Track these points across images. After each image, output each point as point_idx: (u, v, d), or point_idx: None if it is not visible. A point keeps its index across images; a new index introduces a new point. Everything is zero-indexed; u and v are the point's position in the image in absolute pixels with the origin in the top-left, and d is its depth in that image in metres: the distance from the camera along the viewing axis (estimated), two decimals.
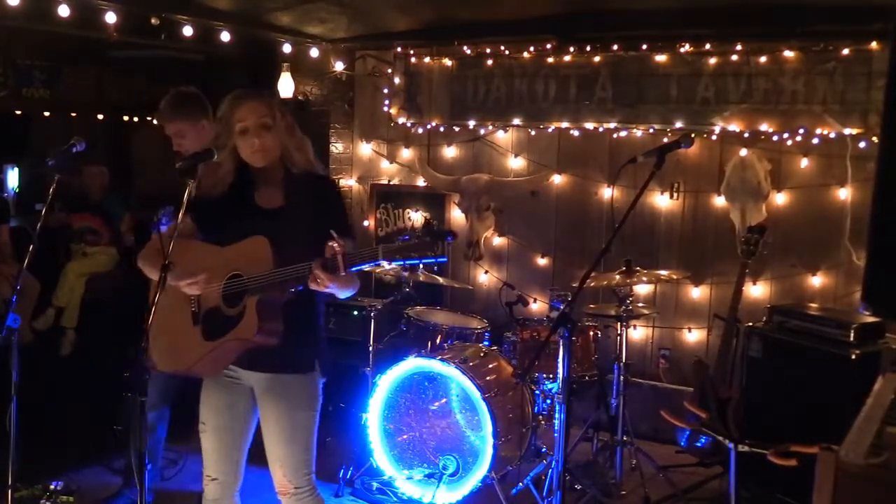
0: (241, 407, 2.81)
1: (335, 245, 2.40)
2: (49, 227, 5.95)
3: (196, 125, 3.63)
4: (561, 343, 2.77)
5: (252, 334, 2.57)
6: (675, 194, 5.02)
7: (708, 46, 4.74)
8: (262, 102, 2.70)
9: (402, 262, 2.33)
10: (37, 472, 3.89)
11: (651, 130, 4.95)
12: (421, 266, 2.20)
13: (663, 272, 4.59)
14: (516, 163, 5.54)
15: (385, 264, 2.40)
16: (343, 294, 2.63)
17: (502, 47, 5.38)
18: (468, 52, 5.49)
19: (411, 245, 2.29)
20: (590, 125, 5.13)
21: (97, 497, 3.92)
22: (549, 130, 5.32)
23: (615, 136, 5.11)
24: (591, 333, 4.36)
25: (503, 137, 5.57)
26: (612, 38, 4.99)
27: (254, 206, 2.74)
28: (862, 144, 4.42)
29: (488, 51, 5.42)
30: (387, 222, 5.99)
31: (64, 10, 4.43)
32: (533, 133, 5.42)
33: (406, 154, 5.87)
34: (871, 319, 3.79)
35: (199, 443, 3.95)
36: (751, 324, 4.20)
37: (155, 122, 3.67)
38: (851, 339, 3.73)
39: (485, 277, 5.70)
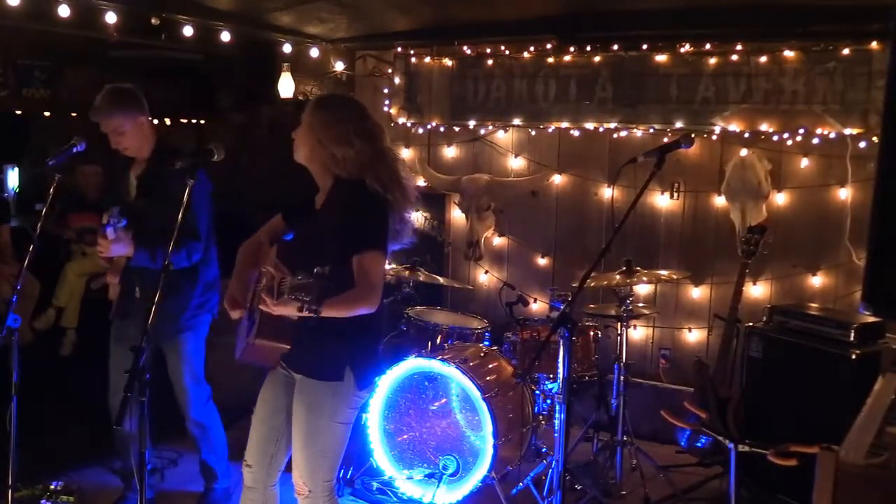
0: (283, 403, 2.82)
1: (271, 270, 2.45)
2: (47, 231, 5.96)
3: (135, 121, 3.54)
4: (561, 343, 2.77)
5: (253, 338, 2.60)
6: (676, 194, 5.02)
7: (708, 46, 4.74)
8: (310, 103, 2.80)
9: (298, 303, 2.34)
10: (37, 472, 3.90)
11: (651, 130, 4.95)
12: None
13: (663, 272, 4.59)
14: (516, 163, 5.54)
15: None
16: (341, 315, 2.59)
17: (502, 47, 5.37)
18: (468, 52, 5.49)
19: (300, 285, 2.30)
20: (590, 125, 5.13)
21: (99, 498, 3.92)
22: (550, 130, 5.32)
23: (615, 136, 5.11)
24: (592, 333, 4.36)
25: (503, 137, 5.57)
26: (613, 38, 4.99)
27: (312, 209, 2.81)
28: (862, 144, 4.42)
29: (488, 51, 5.42)
30: None
31: (64, 10, 4.43)
32: (533, 133, 5.42)
33: (406, 154, 5.86)
34: (871, 319, 3.79)
35: (194, 443, 3.97)
36: (751, 324, 4.20)
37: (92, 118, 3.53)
38: (852, 339, 3.74)
39: (485, 277, 5.70)
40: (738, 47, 4.65)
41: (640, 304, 4.72)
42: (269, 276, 2.54)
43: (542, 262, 5.50)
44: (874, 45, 4.28)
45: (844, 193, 4.56)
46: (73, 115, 7.26)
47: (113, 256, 3.49)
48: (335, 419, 2.72)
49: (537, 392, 4.21)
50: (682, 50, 4.80)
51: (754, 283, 4.81)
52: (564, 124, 5.21)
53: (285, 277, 2.42)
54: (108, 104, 3.50)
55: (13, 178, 7.59)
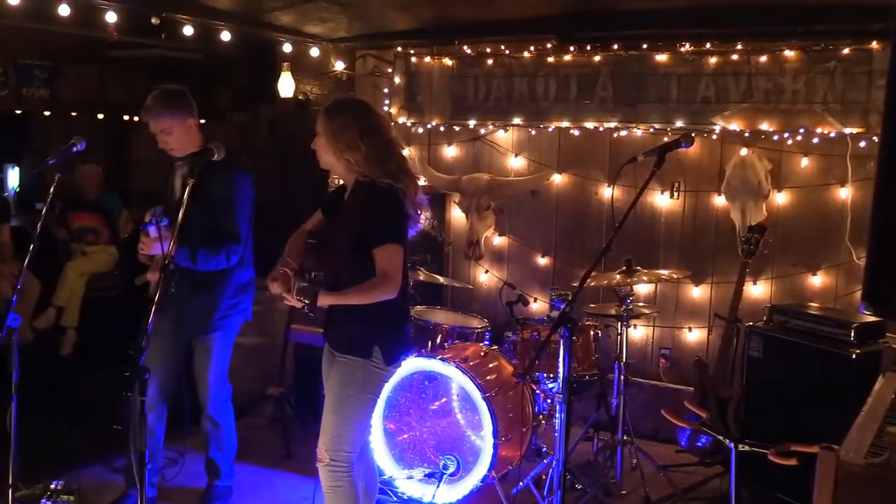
0: None
1: (287, 271, 2.78)
2: (49, 232, 5.96)
3: (184, 123, 3.60)
4: (561, 342, 2.77)
5: (290, 323, 3.03)
6: (676, 194, 5.02)
7: (708, 46, 4.74)
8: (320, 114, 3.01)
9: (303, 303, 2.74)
10: (37, 472, 3.89)
11: (651, 130, 4.95)
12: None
13: (664, 272, 4.59)
14: (517, 162, 5.54)
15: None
16: (364, 301, 2.90)
17: (503, 47, 5.37)
18: (468, 51, 5.48)
19: (301, 289, 2.73)
20: (590, 125, 5.13)
21: (99, 497, 3.92)
22: (550, 130, 5.32)
23: (615, 135, 5.10)
24: (592, 333, 4.36)
25: (503, 137, 5.57)
26: (613, 37, 4.99)
27: (342, 205, 3.06)
28: (862, 144, 4.42)
29: (489, 50, 5.42)
30: None
31: (64, 10, 4.43)
32: (533, 132, 5.42)
33: (406, 153, 5.85)
34: (871, 319, 3.79)
35: (197, 441, 3.97)
36: (751, 323, 4.20)
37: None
38: (852, 338, 3.73)
39: (485, 277, 5.70)
40: (739, 47, 4.65)
41: (641, 304, 4.71)
42: (285, 276, 2.83)
43: (543, 261, 5.50)
44: (874, 44, 4.29)
45: (845, 193, 4.56)
46: (74, 114, 7.27)
47: (154, 255, 3.52)
48: (364, 390, 2.98)
49: (537, 391, 4.21)
50: (683, 49, 4.80)
51: (754, 283, 4.81)
52: (565, 124, 5.21)
53: (295, 279, 2.76)
54: (157, 105, 3.57)
55: (13, 177, 7.60)
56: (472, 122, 5.54)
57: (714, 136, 4.81)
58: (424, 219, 3.09)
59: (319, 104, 6.06)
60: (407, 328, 3.14)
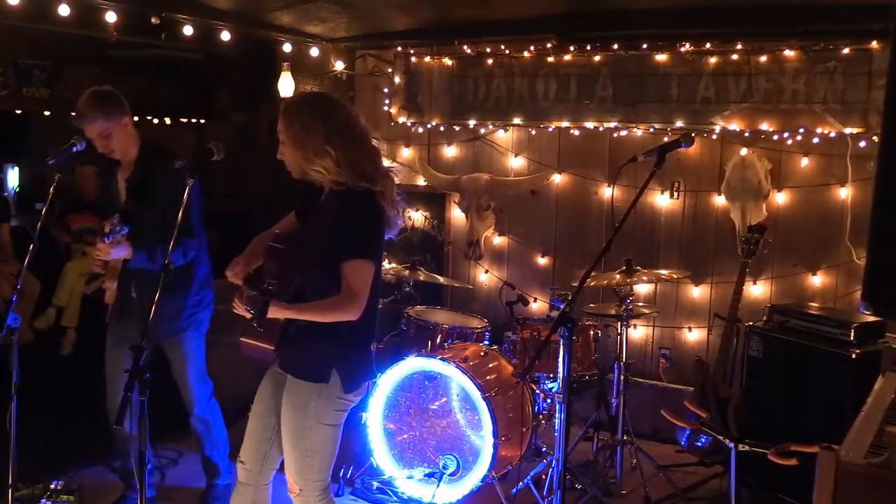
0: (277, 402, 2.79)
1: (236, 273, 2.62)
2: (49, 233, 5.96)
3: (120, 123, 3.49)
4: (561, 342, 2.77)
5: (239, 336, 2.69)
6: (676, 194, 5.03)
7: (708, 46, 4.74)
8: (279, 118, 2.66)
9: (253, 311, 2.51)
10: (37, 472, 3.89)
11: (651, 130, 4.95)
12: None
13: (664, 271, 4.59)
14: (517, 162, 5.54)
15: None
16: (319, 320, 2.63)
17: (503, 47, 5.38)
18: (468, 51, 5.48)
19: (249, 297, 2.54)
20: (590, 124, 5.13)
21: (99, 497, 3.92)
22: (550, 130, 5.32)
23: (615, 135, 5.11)
24: (592, 333, 4.36)
25: (503, 137, 5.57)
26: (613, 37, 4.99)
27: (315, 207, 2.77)
28: (862, 144, 4.42)
29: (489, 50, 5.42)
30: None
31: (64, 10, 4.43)
32: (533, 132, 5.42)
33: (406, 153, 5.87)
34: (871, 319, 3.79)
35: (196, 442, 3.97)
36: (751, 323, 4.20)
37: (75, 124, 3.48)
38: (852, 338, 3.74)
39: (485, 277, 5.70)
40: (739, 47, 4.65)
41: (641, 304, 4.71)
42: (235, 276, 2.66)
43: (543, 261, 5.51)
44: (874, 44, 4.29)
45: (844, 193, 4.56)
46: (74, 114, 7.26)
47: (110, 260, 3.45)
48: (321, 420, 2.68)
49: (537, 391, 4.21)
50: (683, 49, 4.80)
51: (754, 283, 4.81)
52: (565, 123, 5.21)
53: (244, 286, 2.60)
54: (91, 108, 3.44)
55: (13, 177, 7.60)
56: (472, 122, 5.55)
57: (714, 136, 4.81)
58: (401, 221, 2.79)
59: None
60: (370, 350, 2.81)
